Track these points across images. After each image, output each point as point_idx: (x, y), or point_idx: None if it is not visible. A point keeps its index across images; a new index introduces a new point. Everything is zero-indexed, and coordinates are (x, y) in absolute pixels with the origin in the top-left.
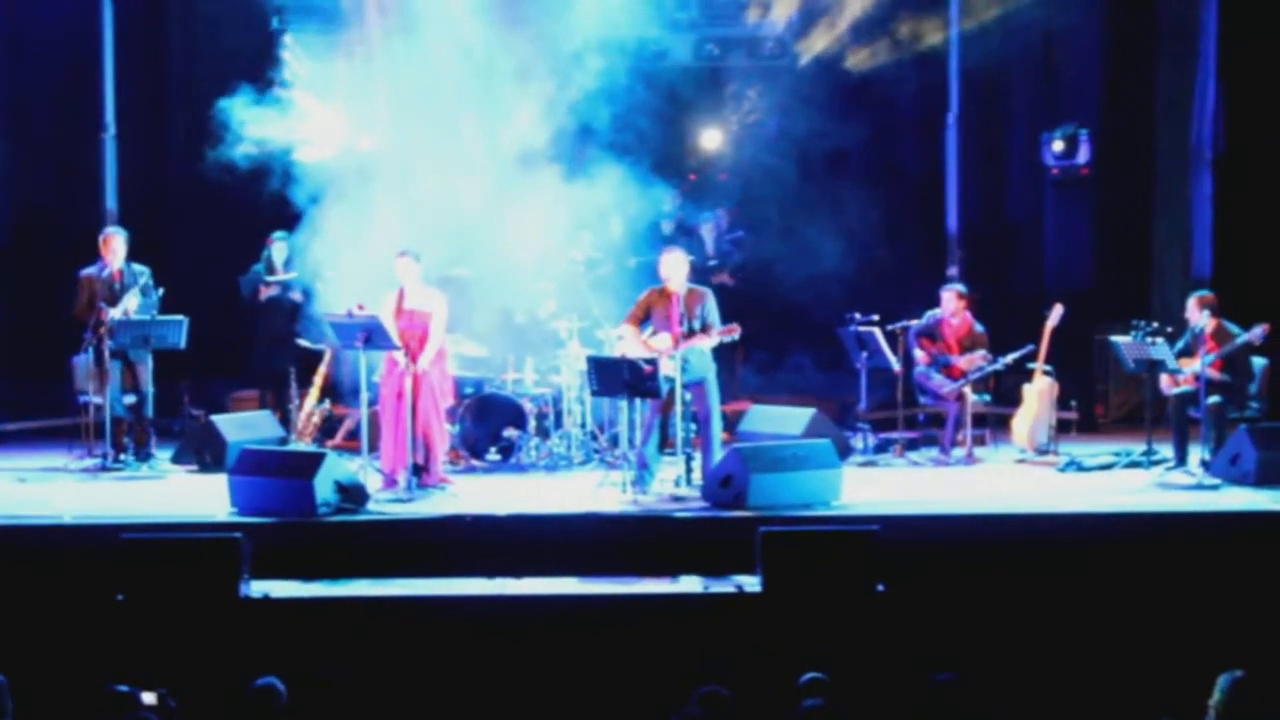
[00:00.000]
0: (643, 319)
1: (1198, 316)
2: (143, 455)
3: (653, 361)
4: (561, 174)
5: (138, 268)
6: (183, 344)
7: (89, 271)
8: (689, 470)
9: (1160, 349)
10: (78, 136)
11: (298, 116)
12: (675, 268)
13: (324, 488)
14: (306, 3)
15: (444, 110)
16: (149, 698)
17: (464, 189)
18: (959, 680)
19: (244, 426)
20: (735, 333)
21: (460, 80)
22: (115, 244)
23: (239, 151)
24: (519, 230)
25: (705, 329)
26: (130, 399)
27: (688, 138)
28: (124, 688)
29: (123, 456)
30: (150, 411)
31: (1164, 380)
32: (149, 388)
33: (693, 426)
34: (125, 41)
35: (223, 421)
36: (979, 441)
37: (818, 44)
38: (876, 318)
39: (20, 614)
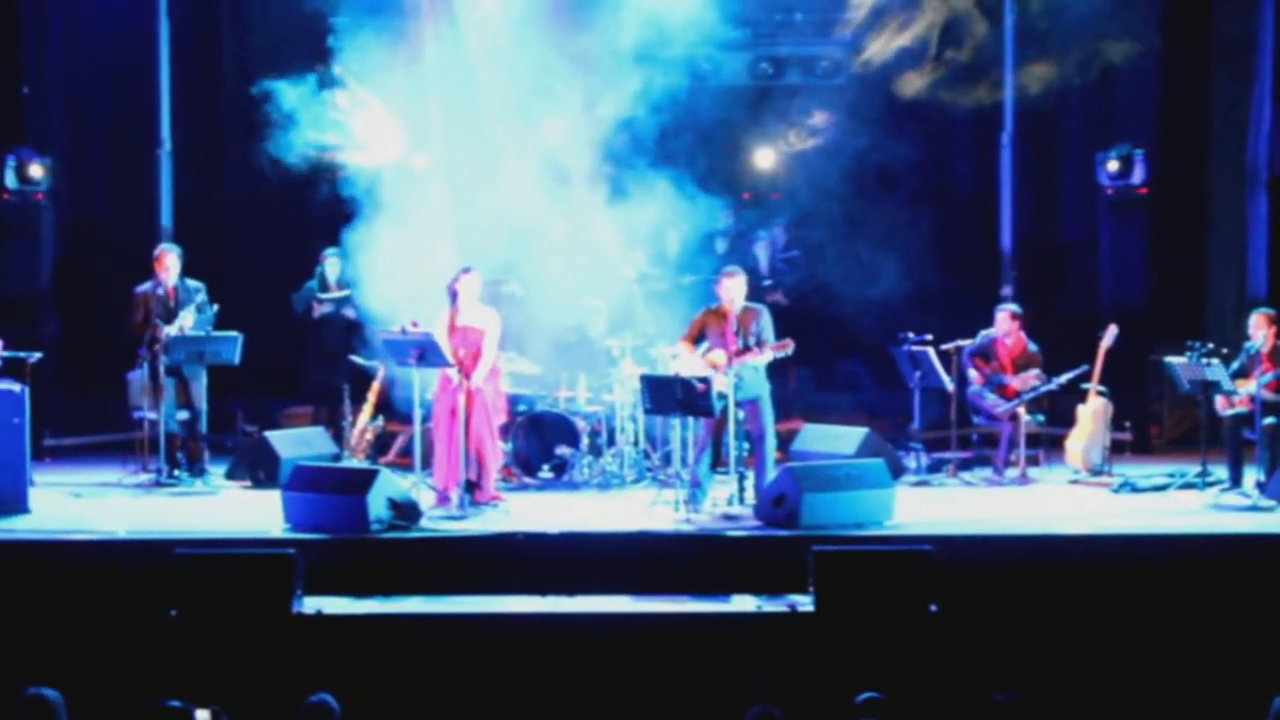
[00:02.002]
0: (697, 338)
1: (1263, 333)
2: (196, 471)
3: (706, 380)
4: (614, 191)
5: (192, 284)
6: (237, 360)
7: (144, 288)
8: (742, 489)
9: (1215, 370)
10: (133, 153)
11: (352, 127)
12: (736, 290)
13: (377, 504)
14: (362, 20)
15: (495, 125)
16: (202, 714)
17: (516, 205)
18: (1018, 700)
19: (297, 443)
20: (788, 348)
21: (511, 95)
22: (169, 261)
23: (293, 158)
24: (571, 247)
25: (759, 345)
26: (184, 415)
27: (742, 156)
28: (177, 704)
29: (176, 472)
30: (204, 427)
31: (1219, 401)
32: (203, 404)
33: (746, 445)
34: (180, 58)
35: (276, 438)
36: (1033, 462)
37: (872, 63)
38: (930, 337)
39: (74, 629)
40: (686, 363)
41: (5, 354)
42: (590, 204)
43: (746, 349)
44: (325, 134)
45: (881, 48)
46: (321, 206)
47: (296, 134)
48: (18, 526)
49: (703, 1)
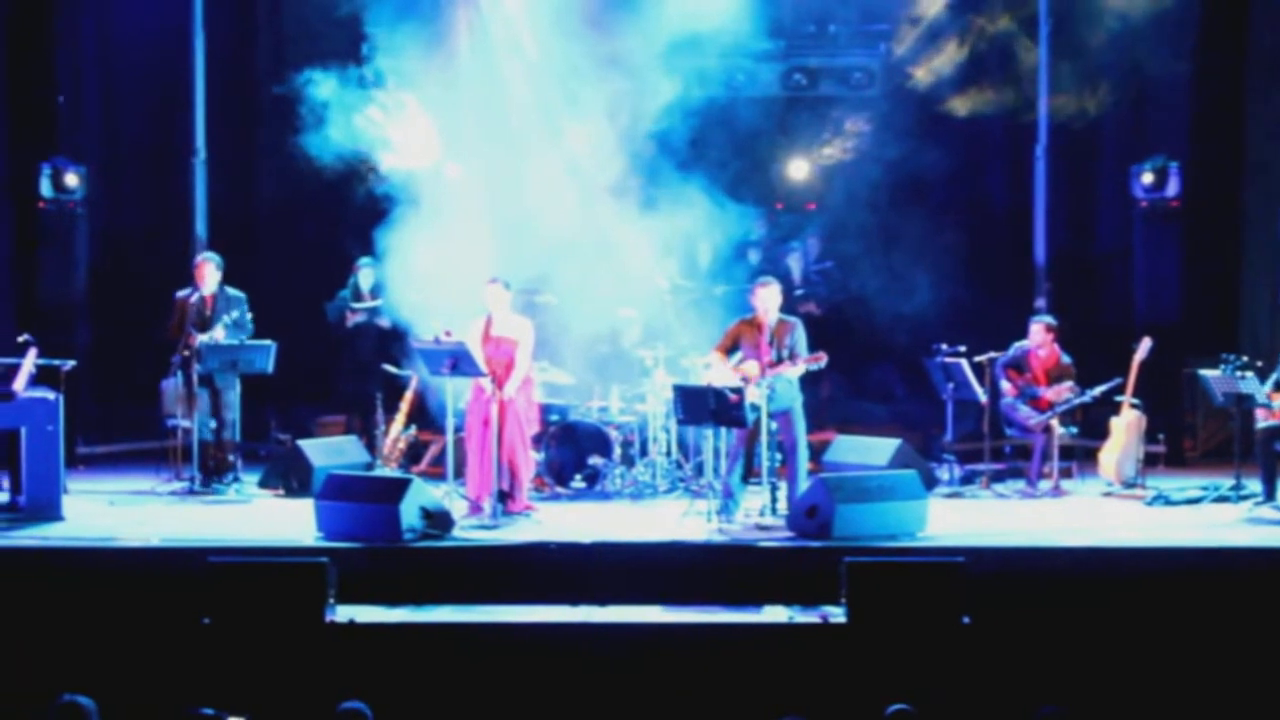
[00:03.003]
0: (730, 348)
1: None
2: (223, 479)
3: (739, 390)
4: (648, 202)
5: (233, 293)
6: (270, 369)
7: (184, 294)
8: (774, 500)
9: (1250, 383)
10: (167, 162)
11: (387, 131)
12: (770, 300)
13: (409, 513)
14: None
15: (529, 135)
16: None
17: (550, 214)
18: (1064, 714)
19: (330, 452)
20: (822, 360)
21: (545, 105)
22: (207, 270)
23: (328, 161)
24: (605, 257)
25: (793, 358)
26: (213, 424)
27: (775, 167)
28: (210, 711)
29: (212, 481)
30: (237, 436)
31: (1259, 414)
32: (235, 413)
33: (778, 456)
34: (215, 68)
35: (309, 446)
36: (1066, 474)
37: (906, 75)
38: (963, 349)
39: (108, 636)
40: (718, 373)
41: (40, 362)
42: (624, 214)
43: (780, 361)
44: (360, 137)
45: (931, 66)
46: (355, 215)
47: (331, 137)
48: (52, 534)
49: (737, 13)
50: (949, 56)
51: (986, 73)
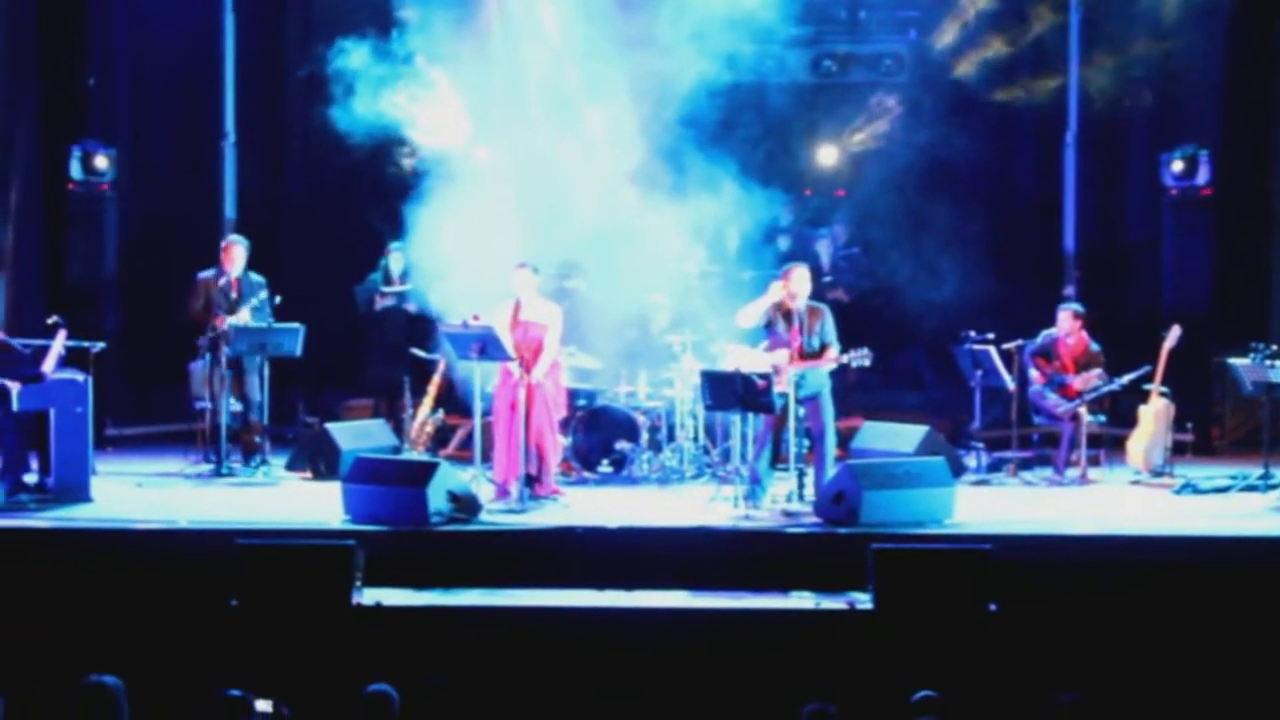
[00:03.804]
0: (765, 325)
1: None
2: (252, 462)
3: (766, 376)
4: (676, 187)
5: (255, 277)
6: (299, 352)
7: (206, 275)
8: (801, 486)
9: (1279, 371)
10: (197, 145)
11: (417, 109)
12: (802, 283)
13: (437, 497)
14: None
15: (556, 119)
16: (263, 704)
17: (578, 199)
18: (1081, 701)
19: (358, 435)
20: (866, 359)
21: (574, 89)
22: (235, 253)
23: (358, 139)
24: (633, 242)
25: (824, 349)
26: (236, 406)
27: (804, 153)
28: (237, 693)
29: (236, 463)
30: (265, 419)
31: None
32: (262, 395)
33: (806, 442)
34: (245, 50)
35: (337, 430)
36: (1093, 462)
37: (936, 62)
38: (991, 336)
39: (136, 618)
40: (743, 357)
41: (69, 344)
42: (652, 199)
43: (813, 352)
44: (389, 119)
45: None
46: (383, 198)
47: (360, 118)
48: (80, 515)
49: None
50: (991, 46)
51: (1019, 61)
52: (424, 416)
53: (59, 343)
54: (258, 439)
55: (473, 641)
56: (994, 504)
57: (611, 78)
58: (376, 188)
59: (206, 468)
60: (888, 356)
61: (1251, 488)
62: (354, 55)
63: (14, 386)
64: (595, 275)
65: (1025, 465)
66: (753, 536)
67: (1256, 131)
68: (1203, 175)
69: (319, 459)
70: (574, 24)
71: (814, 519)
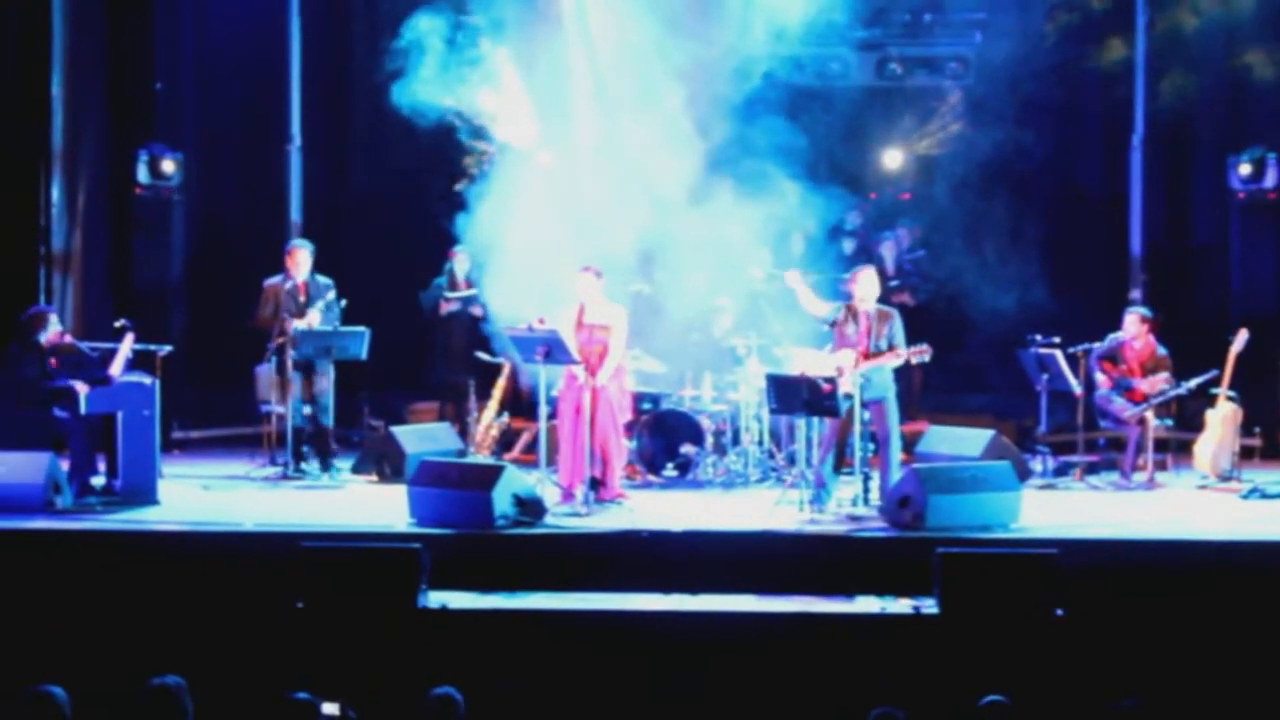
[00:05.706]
0: (833, 323)
1: None
2: (325, 465)
3: (831, 380)
4: (741, 191)
5: (322, 280)
6: (364, 355)
7: (273, 281)
8: (866, 490)
9: None
10: (263, 149)
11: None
12: (869, 286)
13: (502, 500)
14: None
15: (624, 122)
16: (330, 708)
17: (644, 203)
18: (1145, 706)
19: (423, 438)
20: (926, 354)
21: (640, 93)
22: (300, 257)
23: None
24: (699, 246)
25: (892, 349)
26: (307, 409)
27: (869, 156)
28: (304, 696)
29: (303, 466)
30: (331, 422)
31: None
32: (329, 398)
33: (871, 446)
34: (311, 55)
35: (402, 433)
36: (1160, 466)
37: (1001, 64)
38: (1058, 340)
39: (202, 618)
40: (808, 360)
41: (136, 347)
42: (717, 203)
43: (879, 352)
44: (457, 112)
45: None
46: (448, 201)
47: (427, 110)
48: (147, 518)
49: (832, 2)
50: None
51: (1078, 56)
52: (489, 420)
53: (126, 346)
54: (333, 444)
55: (537, 645)
56: (1060, 508)
57: (677, 80)
58: (440, 192)
59: (273, 470)
60: (953, 360)
61: None
62: (421, 51)
63: (82, 389)
64: (660, 278)
65: (1091, 469)
66: (818, 541)
67: None
68: (1271, 178)
69: (384, 462)
70: (642, 24)
71: (879, 523)
